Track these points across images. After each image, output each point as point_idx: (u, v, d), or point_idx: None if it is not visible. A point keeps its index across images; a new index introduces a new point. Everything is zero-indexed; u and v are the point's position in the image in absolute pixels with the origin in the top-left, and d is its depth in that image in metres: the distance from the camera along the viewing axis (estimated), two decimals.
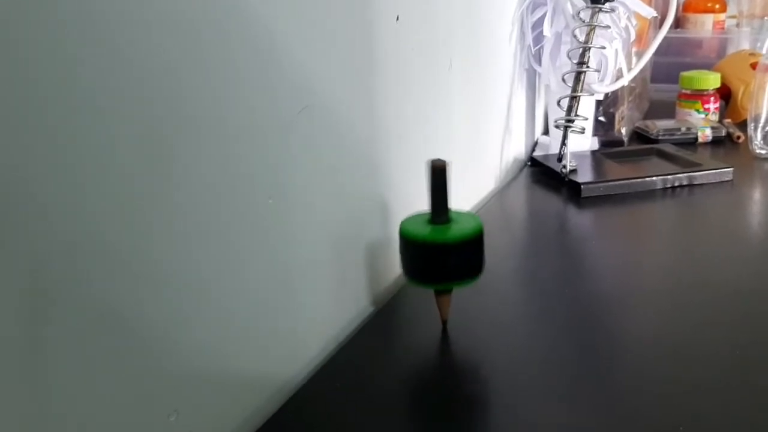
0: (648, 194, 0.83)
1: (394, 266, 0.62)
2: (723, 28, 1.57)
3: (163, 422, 0.37)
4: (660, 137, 1.05)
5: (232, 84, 0.39)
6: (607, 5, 0.83)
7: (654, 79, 1.30)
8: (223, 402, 0.41)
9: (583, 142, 0.97)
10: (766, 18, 1.53)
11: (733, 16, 1.61)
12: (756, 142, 0.96)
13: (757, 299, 0.55)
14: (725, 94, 1.16)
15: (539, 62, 0.95)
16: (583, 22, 0.84)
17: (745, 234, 0.69)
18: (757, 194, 0.82)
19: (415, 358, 0.50)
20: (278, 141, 0.44)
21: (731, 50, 1.38)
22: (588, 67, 0.84)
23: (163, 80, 0.34)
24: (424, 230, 0.49)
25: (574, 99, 0.84)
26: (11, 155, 0.27)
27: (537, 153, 1.01)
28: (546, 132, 1.10)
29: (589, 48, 0.83)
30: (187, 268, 0.37)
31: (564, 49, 0.89)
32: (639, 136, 1.09)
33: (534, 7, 0.92)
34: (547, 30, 0.89)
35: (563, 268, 0.63)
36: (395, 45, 0.58)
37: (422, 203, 0.63)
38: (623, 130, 1.03)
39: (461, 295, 0.56)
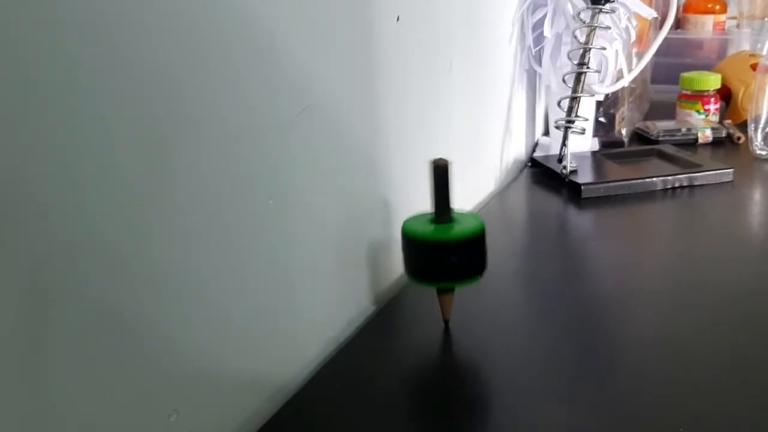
0: (648, 195, 0.83)
1: (394, 266, 0.62)
2: (723, 29, 1.57)
3: (164, 422, 0.37)
4: (660, 138, 1.05)
5: (232, 84, 0.39)
6: (608, 6, 0.83)
7: (654, 80, 1.30)
8: (223, 402, 0.41)
9: (583, 142, 0.97)
10: (766, 19, 1.53)
11: (734, 17, 1.61)
12: (756, 143, 0.95)
13: (757, 300, 0.55)
14: (725, 95, 1.16)
15: (539, 63, 0.95)
16: (584, 23, 0.84)
17: (746, 235, 0.69)
18: (757, 195, 0.82)
19: (416, 358, 0.50)
20: (278, 141, 0.44)
21: (731, 51, 1.38)
22: (588, 67, 0.84)
23: (163, 80, 0.34)
24: (426, 229, 0.49)
25: (574, 100, 0.84)
26: (11, 155, 0.27)
27: (537, 154, 1.01)
28: (546, 133, 1.10)
29: (590, 49, 0.83)
30: (187, 268, 0.37)
31: (564, 49, 0.89)
32: (639, 136, 1.09)
33: (534, 7, 0.92)
34: (547, 31, 0.89)
35: (564, 268, 0.63)
36: (395, 45, 0.58)
37: (422, 203, 0.63)
38: (623, 131, 1.03)
39: (462, 295, 0.56)
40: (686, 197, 0.82)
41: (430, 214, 0.51)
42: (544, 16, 0.90)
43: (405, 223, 0.51)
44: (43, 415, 0.29)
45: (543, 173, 0.93)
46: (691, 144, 1.04)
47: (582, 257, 0.66)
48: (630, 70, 0.92)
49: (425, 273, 0.50)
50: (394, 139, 0.60)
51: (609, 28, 0.86)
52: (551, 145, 1.01)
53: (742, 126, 1.04)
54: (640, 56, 0.97)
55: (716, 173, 0.86)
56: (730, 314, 0.53)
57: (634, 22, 0.91)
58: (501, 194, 0.86)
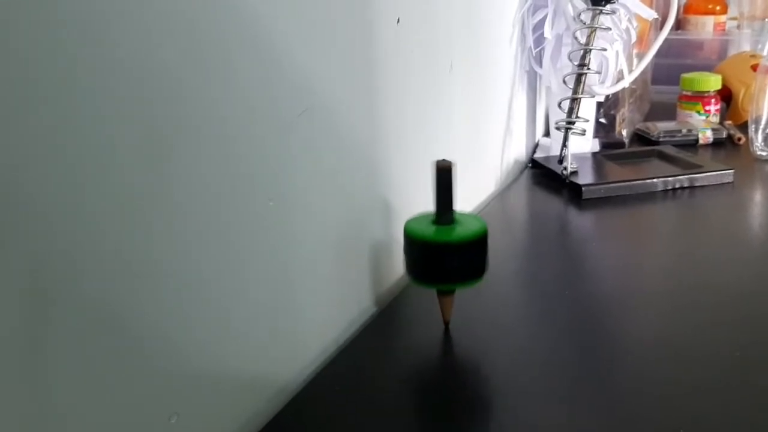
0: (649, 196, 0.83)
1: (395, 267, 0.62)
2: (724, 30, 1.57)
3: (164, 424, 0.36)
4: (661, 139, 1.05)
5: (232, 84, 0.39)
6: (608, 7, 0.83)
7: (655, 81, 1.30)
8: (224, 404, 0.41)
9: (583, 143, 0.97)
10: (766, 20, 1.53)
11: (734, 18, 1.61)
12: (757, 144, 0.95)
13: (757, 301, 0.55)
14: (726, 95, 1.16)
15: (540, 64, 0.95)
16: (584, 24, 0.84)
17: (746, 236, 0.69)
18: (757, 196, 0.82)
19: (417, 359, 0.50)
20: (278, 142, 0.44)
21: (732, 52, 1.38)
22: (589, 68, 0.84)
23: (163, 80, 0.34)
24: (428, 230, 0.49)
25: (574, 101, 0.84)
26: (11, 155, 0.27)
27: (538, 155, 1.01)
28: (547, 134, 1.10)
29: (590, 50, 0.83)
30: (188, 269, 0.37)
31: (565, 50, 0.89)
32: (640, 137, 1.09)
33: (535, 9, 0.92)
34: (547, 32, 0.89)
35: (564, 269, 0.63)
36: (395, 46, 0.58)
37: (423, 204, 0.63)
38: (624, 132, 1.03)
39: (462, 296, 0.56)
40: (687, 198, 0.82)
41: (432, 214, 0.51)
42: (545, 17, 0.90)
43: (407, 223, 0.51)
44: (43, 415, 0.29)
45: (543, 174, 0.93)
46: (692, 145, 1.04)
47: (582, 258, 0.66)
48: (630, 71, 0.92)
49: (426, 274, 0.50)
50: (394, 140, 0.60)
51: (609, 29, 0.86)
52: (552, 146, 1.01)
53: (743, 127, 1.04)
54: (640, 57, 0.97)
55: (717, 174, 0.86)
56: (730, 315, 0.53)
57: (635, 23, 0.91)
58: (501, 195, 0.86)
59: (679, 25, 1.58)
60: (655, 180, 0.84)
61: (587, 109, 0.93)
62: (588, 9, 0.84)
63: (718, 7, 1.57)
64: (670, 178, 0.85)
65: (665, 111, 1.18)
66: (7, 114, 0.27)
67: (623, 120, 1.04)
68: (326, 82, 0.49)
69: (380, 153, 0.57)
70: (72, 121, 0.29)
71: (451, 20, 0.70)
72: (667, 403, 0.43)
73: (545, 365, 0.48)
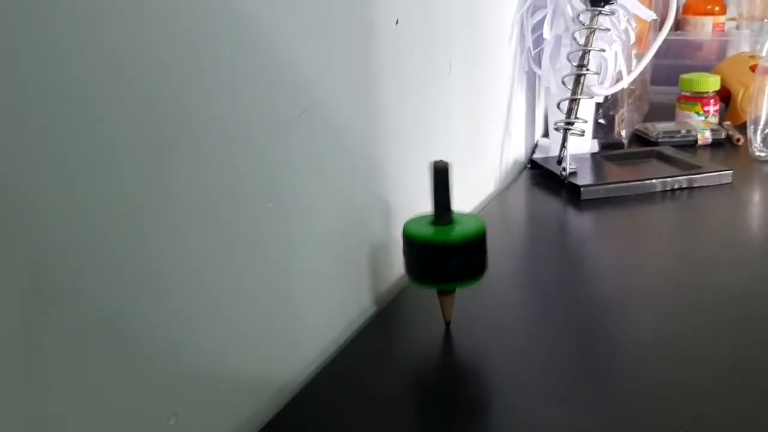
0: (648, 197, 0.83)
1: (395, 267, 0.62)
2: (723, 31, 1.57)
3: (163, 425, 0.36)
4: (660, 140, 1.05)
5: (232, 84, 0.39)
6: (607, 8, 0.83)
7: (654, 82, 1.30)
8: (223, 404, 0.41)
9: (582, 144, 0.97)
10: (765, 20, 1.53)
11: (733, 19, 1.61)
12: (755, 145, 0.96)
13: (756, 301, 0.55)
14: (725, 96, 1.16)
15: (539, 65, 0.95)
16: (583, 25, 0.84)
17: (745, 236, 0.69)
18: (756, 197, 0.82)
19: (417, 359, 0.50)
20: (278, 142, 0.44)
21: (731, 52, 1.38)
22: (588, 69, 0.84)
23: (162, 81, 0.34)
24: (427, 231, 0.49)
25: (573, 101, 0.84)
26: (11, 155, 0.27)
27: (537, 155, 1.01)
28: (546, 134, 1.10)
29: (589, 51, 0.83)
30: (187, 269, 0.37)
31: (564, 51, 0.90)
32: (639, 138, 1.09)
33: (534, 9, 0.92)
34: (546, 33, 0.90)
35: (563, 270, 0.63)
36: (395, 46, 0.58)
37: (422, 204, 0.63)
38: (623, 133, 1.03)
39: (462, 296, 0.56)
40: (685, 199, 0.82)
41: (431, 215, 0.51)
42: (544, 18, 0.90)
43: (406, 224, 0.51)
44: (43, 415, 0.29)
45: (542, 175, 0.93)
46: (691, 145, 1.04)
47: (582, 259, 0.66)
48: (629, 71, 0.92)
49: (426, 274, 0.50)
50: (394, 140, 0.60)
51: (608, 30, 0.86)
52: (551, 147, 1.01)
53: (742, 127, 1.04)
54: (639, 58, 0.97)
55: (715, 175, 0.86)
56: (729, 315, 0.53)
57: (634, 24, 0.92)
58: (500, 195, 0.86)
59: (678, 25, 1.58)
60: (654, 181, 0.84)
61: (586, 110, 0.93)
62: (587, 10, 0.84)
63: (717, 8, 1.57)
64: (669, 179, 0.85)
65: (664, 112, 1.18)
66: (7, 114, 0.27)
67: (622, 121, 1.04)
68: (326, 83, 0.49)
69: (380, 153, 0.58)
70: (72, 121, 0.29)
71: (450, 21, 0.70)
72: (667, 404, 0.43)
73: (545, 365, 0.48)
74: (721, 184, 0.85)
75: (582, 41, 0.84)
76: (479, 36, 0.79)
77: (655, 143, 1.04)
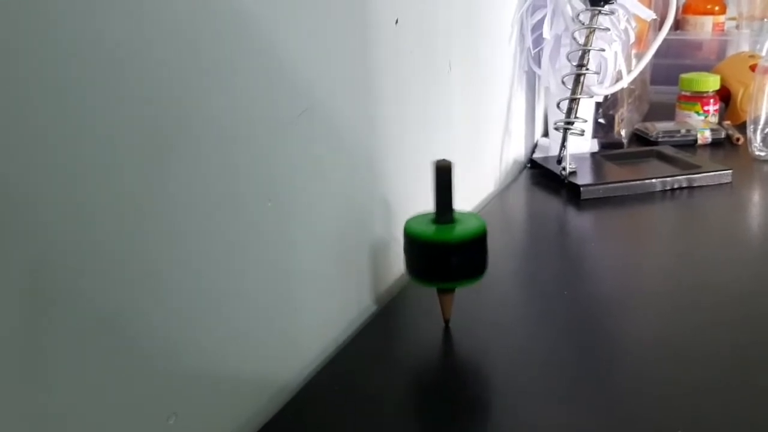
0: (647, 196, 0.83)
1: (395, 267, 0.62)
2: (722, 30, 1.57)
3: (162, 425, 0.36)
4: (659, 139, 1.05)
5: (232, 84, 0.39)
6: (607, 8, 0.83)
7: (654, 81, 1.30)
8: (223, 404, 0.41)
9: (582, 144, 0.97)
10: (765, 20, 1.53)
11: (733, 18, 1.61)
12: (755, 144, 0.96)
13: (756, 301, 0.55)
14: (725, 96, 1.16)
15: (539, 64, 0.95)
16: (583, 24, 0.84)
17: (745, 236, 0.69)
18: (756, 196, 0.82)
19: (416, 358, 0.50)
20: (278, 142, 0.44)
21: (731, 52, 1.38)
22: (587, 69, 0.84)
23: (162, 81, 0.34)
24: (428, 229, 0.50)
25: (573, 101, 0.85)
26: (11, 155, 0.27)
27: (536, 155, 1.01)
28: (546, 134, 1.10)
29: (589, 50, 0.83)
30: (187, 269, 0.37)
31: (563, 51, 0.90)
32: (638, 138, 1.09)
33: (534, 9, 0.92)
34: (546, 32, 0.89)
35: (563, 270, 0.63)
36: (395, 46, 0.58)
37: (422, 204, 0.63)
38: (623, 132, 1.03)
39: (462, 295, 0.56)
40: (685, 198, 0.82)
41: (432, 214, 0.51)
42: (544, 18, 0.90)
43: (407, 222, 0.51)
44: (43, 415, 0.29)
45: (542, 174, 0.93)
46: (691, 145, 1.04)
47: (581, 258, 0.66)
48: (629, 71, 0.92)
49: (426, 273, 0.50)
50: (393, 140, 0.60)
51: (608, 29, 0.86)
52: (550, 147, 1.01)
53: (741, 127, 1.04)
54: (639, 57, 0.97)
55: (715, 174, 0.86)
56: (729, 315, 0.53)
57: (633, 24, 0.92)
58: (500, 195, 0.86)
59: (677, 25, 1.58)
60: (653, 180, 0.84)
61: (586, 110, 0.93)
62: (587, 9, 0.84)
63: (716, 8, 1.57)
64: (668, 179, 0.85)
65: (664, 111, 1.18)
66: (7, 114, 0.27)
67: (622, 120, 1.04)
68: (326, 83, 0.49)
69: (379, 153, 0.57)
70: (72, 120, 0.29)
71: (450, 21, 0.70)
72: (667, 403, 0.43)
73: (544, 365, 0.48)
74: (721, 184, 0.85)
75: (582, 41, 0.84)
76: (479, 36, 0.79)
77: (655, 143, 1.04)
